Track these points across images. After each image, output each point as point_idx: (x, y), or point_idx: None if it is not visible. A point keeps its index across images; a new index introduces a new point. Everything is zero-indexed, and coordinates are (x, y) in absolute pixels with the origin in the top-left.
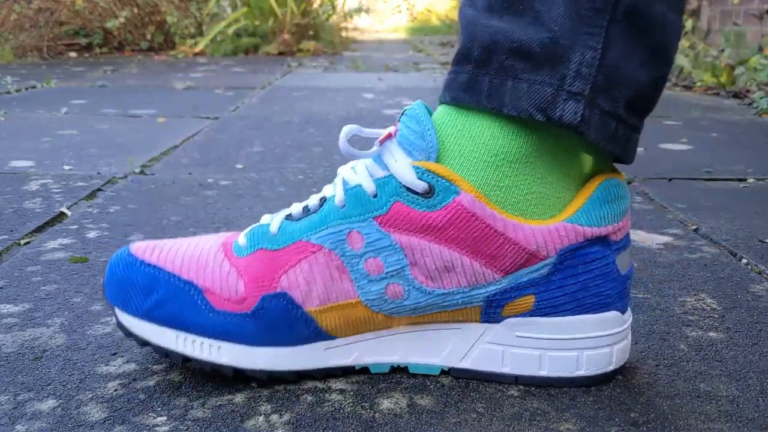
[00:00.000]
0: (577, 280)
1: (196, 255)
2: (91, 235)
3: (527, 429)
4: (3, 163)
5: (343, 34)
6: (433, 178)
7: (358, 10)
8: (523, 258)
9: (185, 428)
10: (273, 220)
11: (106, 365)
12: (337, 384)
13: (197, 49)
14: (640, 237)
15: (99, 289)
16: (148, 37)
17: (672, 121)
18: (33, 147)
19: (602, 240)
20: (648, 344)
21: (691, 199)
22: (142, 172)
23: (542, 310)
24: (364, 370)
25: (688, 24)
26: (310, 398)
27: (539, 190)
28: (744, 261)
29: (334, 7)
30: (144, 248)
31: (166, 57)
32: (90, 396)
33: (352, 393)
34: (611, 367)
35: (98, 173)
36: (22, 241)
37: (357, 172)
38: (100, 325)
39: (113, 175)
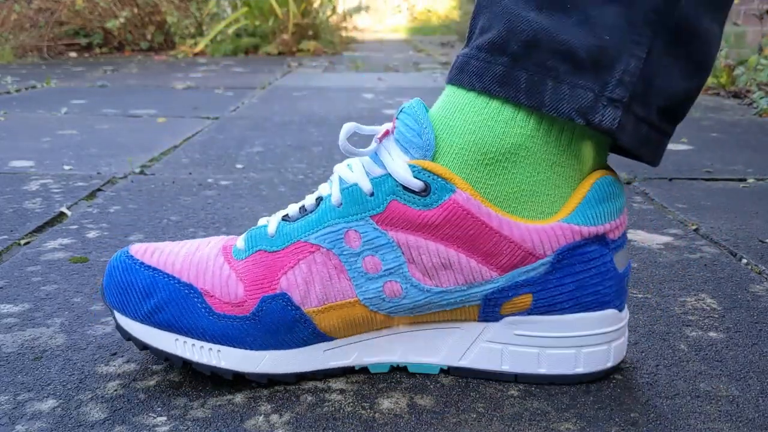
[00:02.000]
0: (575, 278)
1: (196, 258)
2: (91, 235)
3: (527, 429)
4: (3, 163)
5: (343, 34)
6: (429, 176)
7: (358, 10)
8: (520, 256)
9: (185, 428)
10: (270, 222)
11: (106, 365)
12: (337, 384)
13: (197, 49)
14: (640, 237)
15: (99, 290)
16: (148, 37)
17: None
18: (33, 147)
19: (600, 239)
20: (648, 344)
21: (691, 199)
22: (142, 172)
23: (540, 308)
24: (364, 370)
25: None
26: (310, 398)
27: (532, 188)
28: (744, 261)
29: (334, 7)
30: (144, 250)
31: (166, 57)
32: (90, 396)
33: (352, 393)
34: (609, 364)
35: (98, 173)
36: (22, 241)
37: (354, 171)
38: (100, 325)
39: (113, 175)
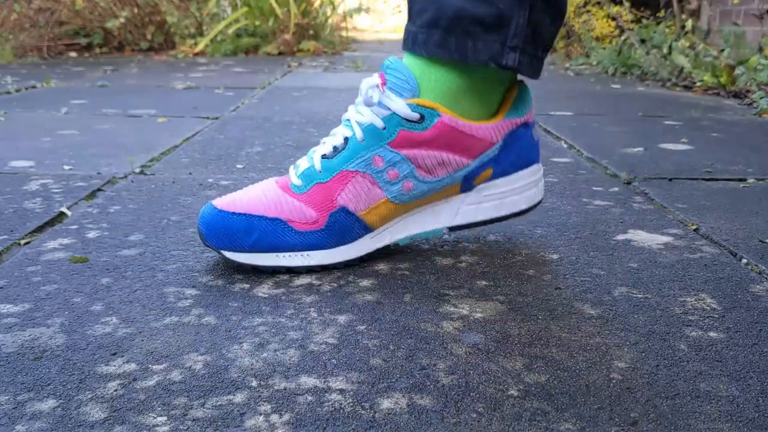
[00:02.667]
0: (515, 151)
1: (269, 199)
2: (91, 235)
3: (527, 429)
4: (3, 163)
5: (343, 34)
6: (422, 109)
7: (358, 10)
8: (483, 146)
9: (185, 428)
10: (314, 161)
11: (106, 365)
12: (337, 384)
13: (197, 49)
14: (640, 237)
15: (99, 289)
16: (148, 37)
17: (672, 121)
18: (33, 147)
19: (524, 124)
20: (648, 344)
21: (691, 199)
22: (142, 172)
23: (497, 175)
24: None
25: (689, 24)
26: (310, 398)
27: (480, 103)
28: (744, 261)
29: (334, 7)
30: (227, 203)
31: (166, 57)
32: (90, 396)
33: (352, 393)
34: (538, 199)
35: (98, 173)
36: (22, 241)
37: (365, 115)
38: (100, 325)
39: (113, 175)
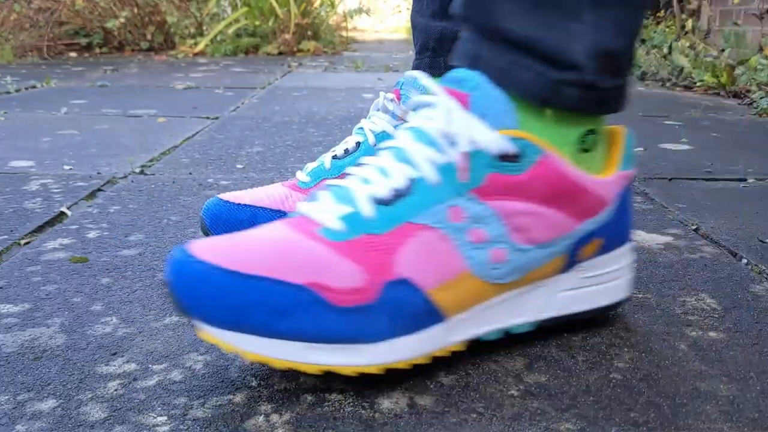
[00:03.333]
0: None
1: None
2: (91, 235)
3: (527, 429)
4: (3, 163)
5: (343, 34)
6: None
7: (358, 10)
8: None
9: (185, 428)
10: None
11: (106, 365)
12: (337, 384)
13: (197, 49)
14: (640, 237)
15: (99, 289)
16: (148, 37)
17: (672, 121)
18: (33, 147)
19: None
20: (648, 344)
21: (691, 199)
22: (142, 172)
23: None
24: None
25: (689, 24)
26: (310, 398)
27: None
28: (744, 261)
29: (334, 7)
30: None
31: (166, 57)
32: (90, 396)
33: (352, 393)
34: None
35: (98, 173)
36: (22, 241)
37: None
38: (100, 325)
39: (113, 175)
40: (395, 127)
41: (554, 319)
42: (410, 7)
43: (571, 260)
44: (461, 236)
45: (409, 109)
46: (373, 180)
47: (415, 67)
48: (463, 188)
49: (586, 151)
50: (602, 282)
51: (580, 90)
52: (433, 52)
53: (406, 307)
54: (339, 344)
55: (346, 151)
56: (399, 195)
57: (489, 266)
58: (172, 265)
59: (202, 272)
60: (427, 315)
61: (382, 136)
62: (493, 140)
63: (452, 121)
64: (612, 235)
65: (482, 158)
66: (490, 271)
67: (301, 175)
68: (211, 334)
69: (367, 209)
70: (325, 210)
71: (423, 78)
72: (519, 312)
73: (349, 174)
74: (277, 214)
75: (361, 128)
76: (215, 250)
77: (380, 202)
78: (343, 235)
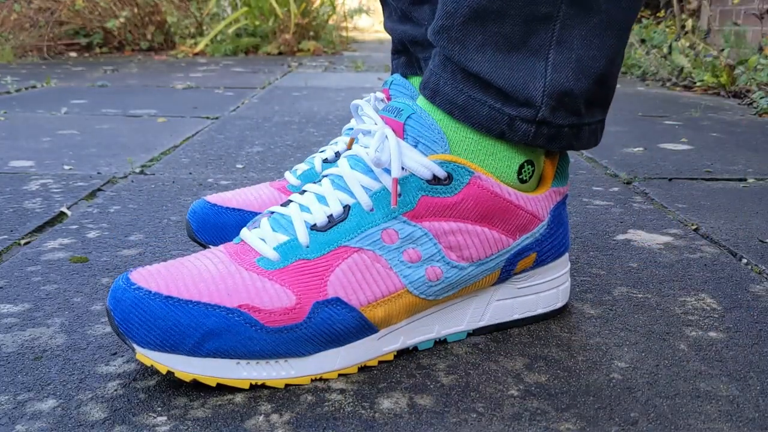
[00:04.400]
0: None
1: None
2: (91, 235)
3: (527, 429)
4: (3, 163)
5: (343, 34)
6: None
7: (359, 10)
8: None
9: (185, 428)
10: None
11: (106, 365)
12: (337, 384)
13: (197, 49)
14: (640, 237)
15: (99, 289)
16: (148, 37)
17: (672, 121)
18: (33, 147)
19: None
20: (648, 344)
21: (691, 199)
22: (142, 172)
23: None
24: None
25: (689, 24)
26: (310, 398)
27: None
28: (744, 261)
29: (334, 7)
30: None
31: (166, 57)
32: (90, 396)
33: (352, 393)
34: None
35: (98, 173)
36: (22, 241)
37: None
38: (100, 325)
39: (113, 175)
40: None
41: (488, 327)
42: None
43: (506, 274)
44: (396, 256)
45: (352, 137)
46: (311, 207)
47: (394, 68)
48: (396, 211)
49: (523, 182)
50: (538, 291)
51: (534, 126)
52: (406, 53)
53: (337, 324)
54: (266, 360)
55: (337, 154)
56: (334, 221)
57: (425, 284)
58: (111, 293)
59: (138, 299)
60: (360, 330)
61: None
62: (424, 165)
63: (385, 148)
64: (547, 249)
65: (414, 182)
66: (426, 289)
67: (291, 178)
68: (147, 356)
69: (303, 237)
70: (265, 238)
71: (366, 108)
72: (454, 323)
73: (290, 201)
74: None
75: (351, 128)
76: (154, 278)
77: (315, 229)
78: (278, 264)
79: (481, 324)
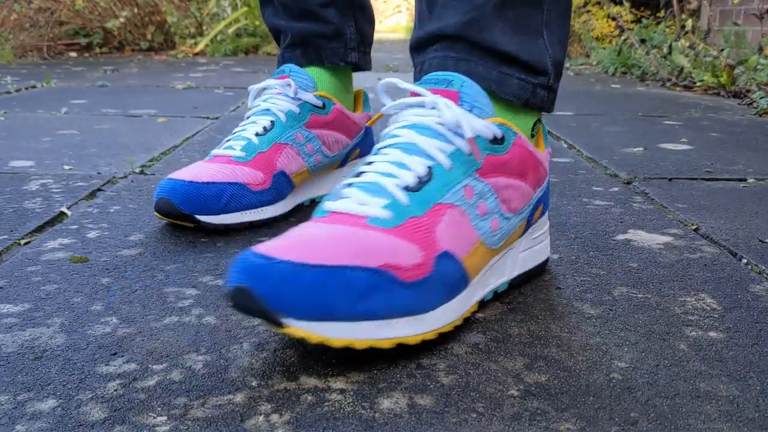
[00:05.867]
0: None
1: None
2: (91, 235)
3: (527, 429)
4: (3, 163)
5: None
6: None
7: None
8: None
9: (185, 428)
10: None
11: (106, 365)
12: (337, 384)
13: (197, 49)
14: (640, 237)
15: (99, 289)
16: (148, 37)
17: (672, 121)
18: (33, 147)
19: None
20: (648, 344)
21: (691, 199)
22: (142, 172)
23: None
24: None
25: (689, 24)
26: (310, 398)
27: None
28: (744, 261)
29: None
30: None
31: (166, 57)
32: (90, 396)
33: (352, 393)
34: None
35: (98, 173)
36: (22, 241)
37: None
38: (100, 325)
39: (113, 175)
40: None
41: (518, 276)
42: (411, 7)
43: (528, 224)
44: (473, 211)
45: (397, 109)
46: (395, 173)
47: (287, 60)
48: (470, 169)
49: (533, 136)
50: (540, 242)
51: (546, 91)
52: (303, 47)
53: (449, 276)
54: (406, 317)
55: (265, 128)
56: (423, 182)
57: (490, 234)
58: (244, 271)
59: (287, 270)
60: (461, 281)
61: (290, 114)
62: (486, 127)
63: (452, 114)
64: (547, 201)
65: (481, 143)
66: (491, 239)
67: (234, 152)
68: (298, 328)
69: (402, 197)
70: (365, 203)
71: (402, 84)
72: (500, 273)
73: (363, 172)
74: (238, 187)
75: (267, 109)
76: (293, 249)
77: (410, 190)
78: (393, 222)
79: (516, 273)
